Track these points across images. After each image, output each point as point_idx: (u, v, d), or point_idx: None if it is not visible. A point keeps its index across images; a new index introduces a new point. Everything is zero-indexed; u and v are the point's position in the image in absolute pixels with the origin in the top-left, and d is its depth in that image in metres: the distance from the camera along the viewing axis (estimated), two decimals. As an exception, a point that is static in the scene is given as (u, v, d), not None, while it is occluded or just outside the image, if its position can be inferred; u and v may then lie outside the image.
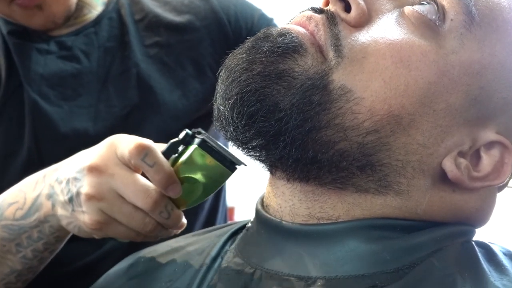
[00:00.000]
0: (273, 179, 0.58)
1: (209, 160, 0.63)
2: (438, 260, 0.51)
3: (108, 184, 0.63)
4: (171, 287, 0.62)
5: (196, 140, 0.63)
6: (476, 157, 0.54)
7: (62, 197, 0.66)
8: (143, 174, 0.64)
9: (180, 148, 0.65)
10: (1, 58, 0.90)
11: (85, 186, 0.63)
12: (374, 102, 0.51)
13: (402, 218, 0.54)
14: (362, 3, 0.53)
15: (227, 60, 0.54)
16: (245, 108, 0.51)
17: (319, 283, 0.52)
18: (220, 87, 0.54)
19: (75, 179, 0.65)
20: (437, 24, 0.53)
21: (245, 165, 0.62)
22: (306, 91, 0.51)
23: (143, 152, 0.62)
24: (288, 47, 0.52)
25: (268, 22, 1.01)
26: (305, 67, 0.51)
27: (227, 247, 0.63)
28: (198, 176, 0.64)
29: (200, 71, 0.94)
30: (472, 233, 0.57)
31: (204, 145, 0.63)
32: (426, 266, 0.51)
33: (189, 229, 0.76)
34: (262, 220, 0.59)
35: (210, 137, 0.64)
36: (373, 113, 0.51)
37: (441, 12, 0.53)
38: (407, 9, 0.54)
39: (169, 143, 0.65)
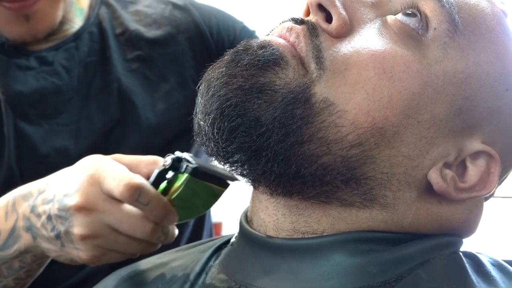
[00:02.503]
0: (257, 193, 0.57)
1: (204, 184, 0.63)
2: (425, 272, 0.50)
3: (101, 221, 0.62)
4: None
5: (188, 169, 0.63)
6: (462, 167, 0.54)
7: (46, 233, 0.65)
8: None
9: (169, 175, 0.64)
10: None
11: (77, 226, 0.62)
12: (357, 115, 0.50)
13: (388, 231, 0.53)
14: (344, 13, 0.53)
15: (206, 74, 0.53)
16: (225, 123, 0.50)
17: None
18: (200, 101, 0.53)
19: (60, 217, 0.64)
20: (420, 33, 0.52)
21: (239, 180, 0.62)
22: (288, 105, 0.50)
23: (136, 194, 0.61)
24: (268, 60, 0.51)
25: (250, 35, 1.00)
26: (286, 80, 0.50)
27: (211, 263, 0.62)
28: (193, 201, 0.64)
29: (183, 84, 0.93)
30: (459, 243, 0.56)
31: (197, 173, 0.62)
32: (413, 278, 0.50)
33: (175, 244, 0.75)
34: (246, 235, 0.58)
35: (200, 161, 0.63)
36: (357, 126, 0.50)
37: (424, 21, 0.53)
38: (390, 18, 0.53)
39: (156, 172, 0.64)
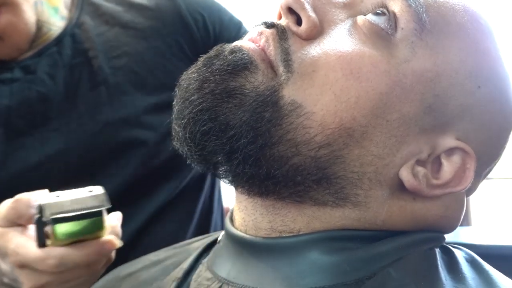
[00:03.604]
0: (237, 193, 0.58)
1: (75, 223, 0.64)
2: (396, 269, 0.51)
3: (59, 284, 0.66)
4: None
5: (49, 220, 0.64)
6: (437, 164, 0.54)
7: None
8: None
9: (47, 228, 0.65)
10: None
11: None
12: (324, 116, 0.51)
13: (362, 229, 0.54)
14: (313, 15, 0.53)
15: (180, 80, 0.55)
16: (197, 128, 0.52)
17: None
18: (175, 107, 0.54)
19: None
20: (389, 33, 0.53)
21: (105, 205, 0.64)
22: (257, 108, 0.51)
23: (61, 269, 0.64)
24: (238, 65, 0.52)
25: (237, 26, 0.99)
26: (256, 84, 0.51)
27: (202, 260, 0.64)
28: (82, 231, 0.65)
29: (172, 78, 0.93)
30: (438, 239, 0.57)
31: (59, 220, 0.64)
32: (383, 277, 0.51)
33: (181, 238, 0.77)
34: (229, 234, 0.59)
35: (62, 200, 0.64)
36: (324, 127, 0.51)
37: (393, 20, 0.53)
38: (360, 19, 0.54)
39: (35, 228, 0.65)
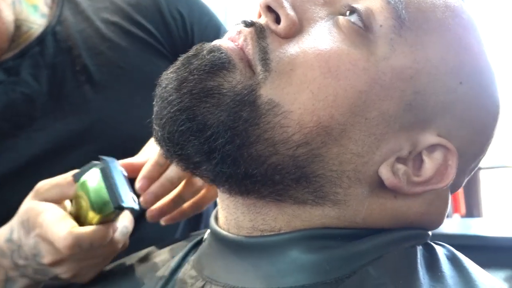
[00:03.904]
0: (219, 192, 0.58)
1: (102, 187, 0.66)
2: (375, 268, 0.51)
3: (75, 262, 0.67)
4: None
5: (99, 164, 0.67)
6: (419, 161, 0.54)
7: (40, 276, 0.71)
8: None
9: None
10: None
11: (64, 274, 0.68)
12: (302, 115, 0.50)
13: (342, 227, 0.53)
14: (292, 13, 0.53)
15: (160, 80, 0.55)
16: (175, 128, 0.52)
17: None
18: (155, 107, 0.54)
19: (40, 270, 0.69)
20: (368, 31, 0.52)
21: (125, 208, 0.66)
22: (234, 107, 0.51)
23: (76, 248, 0.65)
24: (215, 64, 0.52)
25: (216, 27, 0.98)
26: (233, 83, 0.51)
27: (189, 257, 0.64)
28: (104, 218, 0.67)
29: (157, 73, 0.92)
30: (422, 236, 0.56)
31: (105, 172, 0.66)
32: (361, 275, 0.51)
33: (173, 232, 0.77)
34: (213, 232, 0.60)
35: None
36: (302, 126, 0.51)
37: (372, 18, 0.53)
38: (340, 18, 0.53)
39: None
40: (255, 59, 0.52)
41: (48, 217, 0.66)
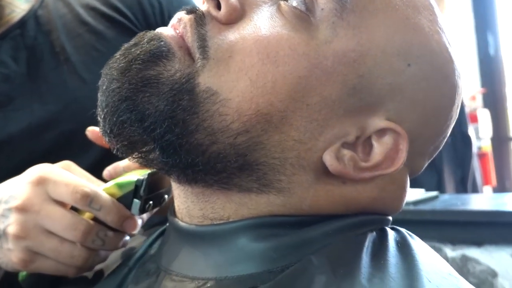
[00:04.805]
0: (171, 181, 0.58)
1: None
2: (318, 256, 0.50)
3: (33, 221, 0.62)
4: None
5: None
6: (369, 146, 0.53)
7: None
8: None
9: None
10: None
11: (12, 225, 0.62)
12: (240, 103, 0.50)
13: (288, 215, 0.53)
14: None
15: (103, 69, 0.54)
16: (114, 118, 0.52)
17: (209, 284, 0.53)
18: (98, 96, 0.54)
19: (3, 215, 0.64)
20: (309, 14, 0.51)
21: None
22: (173, 96, 0.50)
23: (88, 200, 0.62)
24: (154, 53, 0.51)
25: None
26: (172, 72, 0.51)
27: (154, 245, 0.65)
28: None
29: None
30: (378, 222, 0.55)
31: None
32: (303, 264, 0.50)
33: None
34: (169, 221, 0.60)
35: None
36: (241, 114, 0.50)
37: (314, 1, 0.51)
38: (282, 3, 0.52)
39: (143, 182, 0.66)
40: (194, 47, 0.51)
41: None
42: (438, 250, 1.69)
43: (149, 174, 0.65)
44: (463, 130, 2.94)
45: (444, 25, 0.56)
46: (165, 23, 0.93)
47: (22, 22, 0.92)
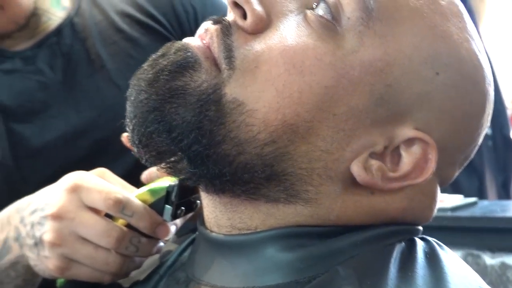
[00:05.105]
0: (200, 191, 0.58)
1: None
2: (345, 268, 0.50)
3: (68, 228, 0.63)
4: None
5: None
6: (397, 156, 0.52)
7: (29, 241, 0.66)
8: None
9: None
10: None
11: (47, 232, 0.63)
12: (267, 113, 0.50)
13: (316, 225, 0.52)
14: (259, 8, 0.52)
15: (131, 80, 0.55)
16: (143, 129, 0.52)
17: None
18: (127, 107, 0.55)
19: (39, 223, 0.65)
20: (335, 24, 0.51)
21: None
22: (200, 107, 0.51)
23: (121, 206, 0.63)
24: (181, 64, 0.52)
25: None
26: (199, 82, 0.51)
27: (185, 253, 0.65)
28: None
29: None
30: (408, 232, 0.54)
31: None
32: (329, 275, 0.50)
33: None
34: (199, 231, 0.60)
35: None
36: (267, 124, 0.50)
37: (340, 9, 0.51)
38: (308, 12, 0.52)
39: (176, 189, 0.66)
40: (220, 57, 0.52)
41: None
42: (477, 258, 1.66)
43: (180, 180, 0.65)
44: (504, 134, 2.88)
45: (473, 32, 0.55)
46: (197, 23, 0.94)
47: (59, 30, 0.93)
